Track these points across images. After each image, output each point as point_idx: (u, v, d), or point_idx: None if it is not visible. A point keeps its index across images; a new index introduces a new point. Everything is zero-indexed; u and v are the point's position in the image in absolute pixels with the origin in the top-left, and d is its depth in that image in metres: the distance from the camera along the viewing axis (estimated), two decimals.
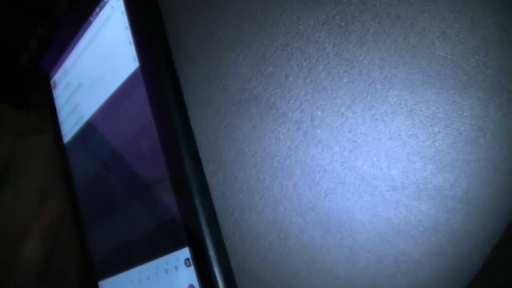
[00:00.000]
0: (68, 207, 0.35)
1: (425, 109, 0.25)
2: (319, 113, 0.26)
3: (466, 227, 0.28)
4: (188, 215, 0.25)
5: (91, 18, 0.32)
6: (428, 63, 0.25)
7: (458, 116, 0.26)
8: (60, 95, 0.35)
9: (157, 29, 0.27)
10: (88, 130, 0.32)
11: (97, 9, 0.31)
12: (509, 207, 0.28)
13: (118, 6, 0.29)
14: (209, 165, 0.28)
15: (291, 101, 0.26)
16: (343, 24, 0.25)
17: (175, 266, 0.27)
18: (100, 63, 0.30)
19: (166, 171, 0.27)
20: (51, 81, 0.36)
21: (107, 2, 0.30)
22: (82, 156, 0.33)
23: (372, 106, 0.25)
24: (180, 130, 0.26)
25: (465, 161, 0.26)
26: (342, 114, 0.26)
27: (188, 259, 0.26)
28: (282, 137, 0.27)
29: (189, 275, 0.26)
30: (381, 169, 0.26)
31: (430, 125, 0.25)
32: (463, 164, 0.26)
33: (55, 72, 0.36)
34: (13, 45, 0.46)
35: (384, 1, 0.24)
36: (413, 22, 0.24)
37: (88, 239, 0.34)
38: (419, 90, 0.25)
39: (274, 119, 0.26)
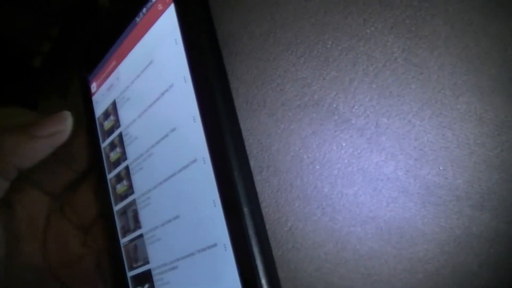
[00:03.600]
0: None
1: (494, 117, 0.25)
2: (385, 119, 0.25)
3: None
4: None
5: (137, 18, 0.31)
6: (499, 70, 0.24)
7: None
8: (100, 99, 0.34)
9: (207, 32, 0.26)
10: (128, 134, 0.31)
11: (144, 9, 0.30)
12: None
13: (168, 11, 0.28)
14: (262, 171, 0.27)
15: (355, 107, 0.25)
16: (413, 28, 0.24)
17: None
18: (146, 69, 0.29)
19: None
20: (91, 85, 0.35)
21: (154, 1, 0.29)
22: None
23: (441, 113, 0.25)
24: (229, 138, 0.24)
25: None
26: (409, 121, 0.25)
27: None
28: (344, 144, 0.26)
29: None
30: (446, 178, 0.25)
31: (498, 134, 0.25)
32: None
33: (95, 75, 0.35)
34: (26, 47, 0.45)
35: (457, 6, 0.24)
36: (486, 28, 0.24)
37: None
38: (489, 98, 0.24)
39: (336, 125, 0.26)
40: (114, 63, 0.32)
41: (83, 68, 0.35)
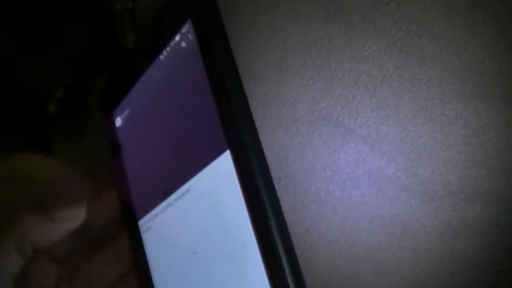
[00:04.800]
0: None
1: (478, 119, 0.28)
2: (384, 128, 0.29)
3: None
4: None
5: (160, 56, 0.34)
6: (479, 79, 0.28)
7: (506, 125, 0.29)
8: (123, 134, 0.37)
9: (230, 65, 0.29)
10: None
11: (168, 48, 0.33)
12: None
13: (190, 44, 0.31)
14: (280, 181, 0.31)
15: (358, 119, 0.29)
16: (404, 48, 0.28)
17: None
18: (169, 94, 0.33)
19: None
20: (115, 119, 0.38)
21: (178, 41, 0.32)
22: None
23: (432, 119, 0.28)
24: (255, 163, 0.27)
25: None
26: (405, 128, 0.29)
27: None
28: (350, 151, 0.30)
29: None
30: (440, 175, 0.29)
31: (482, 134, 0.29)
32: (511, 168, 0.29)
33: (119, 111, 0.38)
34: (40, 94, 0.47)
35: (440, 26, 0.28)
36: (466, 43, 0.28)
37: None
38: (472, 103, 0.28)
39: (343, 136, 0.30)
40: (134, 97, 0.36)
41: (107, 104, 0.38)
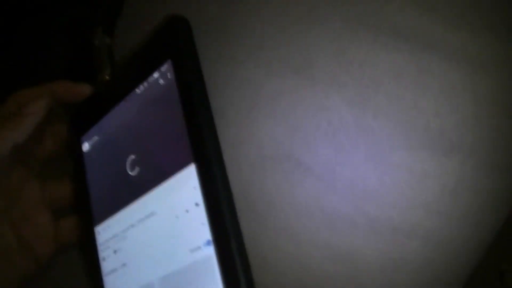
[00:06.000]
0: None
1: (420, 167, 0.33)
2: (339, 168, 0.33)
3: (444, 267, 0.33)
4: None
5: (137, 90, 0.37)
6: (424, 133, 0.32)
7: (443, 173, 0.33)
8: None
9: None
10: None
11: (145, 83, 0.36)
12: (477, 253, 0.34)
13: (168, 82, 0.34)
14: (242, 212, 0.34)
15: (317, 159, 0.33)
16: (362, 102, 0.32)
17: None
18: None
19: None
20: (83, 144, 0.41)
21: (157, 78, 0.35)
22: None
23: (381, 164, 0.32)
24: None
25: (446, 209, 0.33)
26: (357, 169, 0.33)
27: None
28: (308, 188, 0.33)
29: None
30: (385, 213, 0.33)
31: (423, 180, 0.33)
32: (445, 211, 0.33)
33: (87, 137, 0.40)
34: None
35: (393, 85, 0.32)
36: (414, 102, 0.32)
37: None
38: (417, 153, 0.32)
39: (302, 173, 0.33)
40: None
41: (77, 129, 0.40)
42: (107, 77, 0.39)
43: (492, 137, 0.32)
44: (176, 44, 0.34)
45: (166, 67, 0.34)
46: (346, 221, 0.33)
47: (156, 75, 0.35)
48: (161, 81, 0.34)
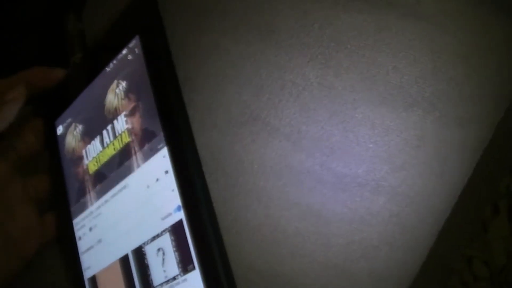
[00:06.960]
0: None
1: (382, 122, 0.33)
2: (304, 127, 0.34)
3: (411, 221, 0.34)
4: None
5: (106, 68, 0.37)
6: (384, 88, 0.33)
7: (405, 128, 0.34)
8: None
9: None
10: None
11: (114, 61, 0.37)
12: (444, 205, 0.35)
13: (136, 57, 0.35)
14: (212, 174, 0.35)
15: (283, 120, 0.34)
16: (323, 61, 0.33)
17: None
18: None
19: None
20: (57, 128, 0.41)
21: (125, 54, 0.36)
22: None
23: (344, 120, 0.33)
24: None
25: (410, 164, 0.34)
26: (322, 127, 0.33)
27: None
28: (275, 147, 0.34)
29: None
30: (350, 169, 0.34)
31: (386, 135, 0.34)
32: (409, 166, 0.34)
33: (61, 120, 0.40)
34: None
35: (354, 44, 0.33)
36: (374, 59, 0.33)
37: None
38: (378, 109, 0.33)
39: (269, 134, 0.34)
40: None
41: (50, 113, 0.40)
42: (79, 61, 0.39)
43: (451, 90, 0.33)
44: (142, 19, 0.34)
45: (134, 42, 0.35)
46: (313, 179, 0.33)
47: (124, 51, 0.35)
48: (130, 57, 0.35)
